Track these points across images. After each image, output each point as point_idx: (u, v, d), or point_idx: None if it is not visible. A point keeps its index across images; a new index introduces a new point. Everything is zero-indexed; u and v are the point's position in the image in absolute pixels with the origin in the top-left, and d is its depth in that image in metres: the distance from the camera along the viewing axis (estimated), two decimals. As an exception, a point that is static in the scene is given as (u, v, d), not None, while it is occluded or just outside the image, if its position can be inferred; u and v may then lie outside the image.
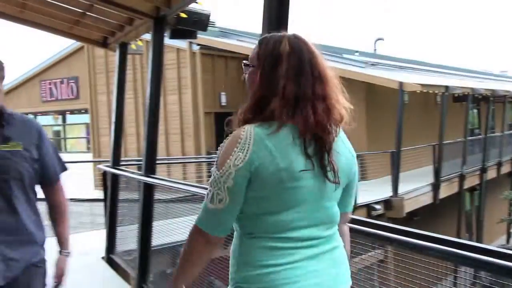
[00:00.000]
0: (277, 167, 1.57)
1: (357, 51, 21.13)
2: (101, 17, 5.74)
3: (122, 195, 6.55)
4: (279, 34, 1.77)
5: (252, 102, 1.69)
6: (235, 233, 1.72)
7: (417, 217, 14.05)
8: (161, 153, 13.48)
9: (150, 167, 5.20)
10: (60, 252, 2.60)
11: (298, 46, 1.72)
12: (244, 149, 1.58)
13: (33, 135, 2.45)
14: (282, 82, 1.66)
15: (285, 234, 1.61)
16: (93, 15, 5.67)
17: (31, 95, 21.56)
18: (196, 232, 1.66)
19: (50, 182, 2.54)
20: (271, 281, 1.59)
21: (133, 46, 6.49)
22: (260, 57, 1.73)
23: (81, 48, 18.25)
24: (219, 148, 1.66)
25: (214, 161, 1.67)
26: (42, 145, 2.46)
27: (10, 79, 21.87)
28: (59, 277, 2.57)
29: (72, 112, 21.69)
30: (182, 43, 15.25)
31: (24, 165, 2.38)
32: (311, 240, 1.64)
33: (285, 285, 1.59)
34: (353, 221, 2.54)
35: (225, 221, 1.64)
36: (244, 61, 1.81)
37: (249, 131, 1.61)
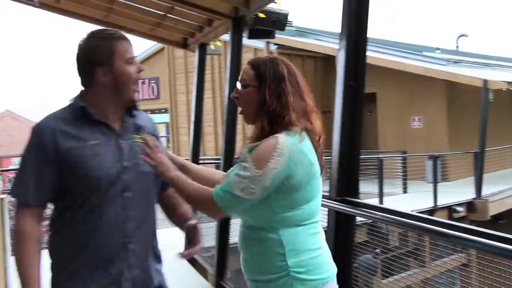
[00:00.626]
0: (310, 163, 1.96)
1: (438, 48, 20.48)
2: (182, 19, 5.88)
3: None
4: (269, 57, 2.14)
5: (268, 116, 2.00)
6: (267, 230, 1.98)
7: (503, 220, 13.44)
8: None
9: (228, 166, 5.27)
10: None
11: (291, 67, 2.10)
12: (282, 155, 1.90)
13: (155, 129, 2.28)
14: (290, 98, 2.01)
15: (315, 218, 2.01)
16: (174, 17, 5.82)
17: None
18: (211, 204, 1.95)
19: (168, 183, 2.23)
20: (323, 260, 2.01)
21: (212, 46, 6.61)
22: (262, 77, 2.04)
23: (162, 49, 18.79)
24: (246, 148, 1.98)
25: None
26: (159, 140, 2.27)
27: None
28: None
29: (153, 111, 22.35)
30: (259, 43, 15.38)
31: None
32: (319, 221, 2.06)
33: (330, 262, 2.04)
34: (433, 222, 2.47)
35: (242, 208, 1.96)
36: (239, 82, 2.09)
37: (283, 140, 1.93)
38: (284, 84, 2.02)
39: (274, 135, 1.94)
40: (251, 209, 1.96)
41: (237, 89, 2.09)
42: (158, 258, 2.19)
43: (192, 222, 2.18)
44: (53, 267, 2.05)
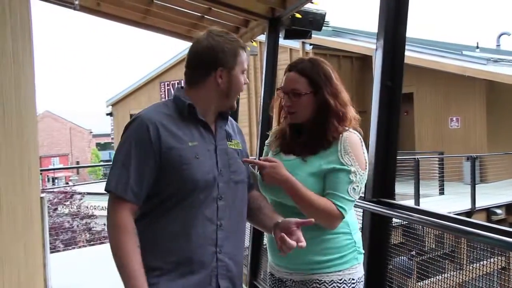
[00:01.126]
0: None
1: (477, 47, 20.07)
2: (218, 20, 5.93)
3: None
4: (307, 59, 2.25)
5: (330, 116, 2.15)
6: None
7: (544, 223, 13.10)
8: (273, 152, 13.61)
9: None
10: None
11: (329, 64, 2.25)
12: (365, 150, 2.16)
13: (241, 134, 2.23)
14: (344, 94, 2.20)
15: None
16: (211, 18, 5.87)
17: (152, 95, 22.67)
18: (337, 217, 2.07)
19: (249, 190, 2.19)
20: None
21: (248, 47, 6.63)
22: (315, 82, 2.16)
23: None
24: (347, 148, 2.11)
25: None
26: (245, 145, 2.22)
27: (133, 81, 23.21)
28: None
29: (189, 111, 22.55)
30: (295, 43, 15.36)
31: (246, 167, 2.15)
32: None
33: None
34: (471, 224, 2.44)
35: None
36: (290, 92, 2.19)
37: (358, 134, 2.17)
38: (334, 82, 2.19)
39: (348, 131, 2.14)
40: None
41: (289, 99, 2.19)
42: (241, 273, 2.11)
43: (279, 221, 2.06)
44: None
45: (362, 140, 2.17)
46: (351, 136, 2.14)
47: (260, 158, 2.22)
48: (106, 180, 1.94)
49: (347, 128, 2.16)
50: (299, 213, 2.07)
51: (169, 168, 1.89)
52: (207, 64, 1.98)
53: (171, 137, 1.91)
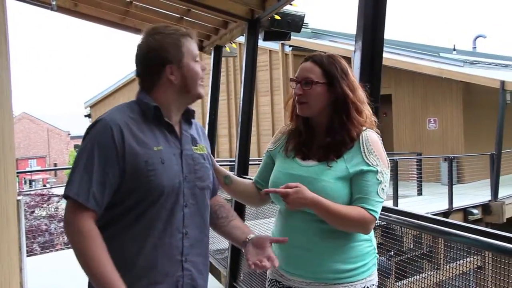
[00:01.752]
0: None
1: (454, 49, 20.33)
2: (198, 21, 5.92)
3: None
4: (325, 54, 2.17)
5: (345, 110, 2.08)
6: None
7: (519, 223, 13.31)
8: (252, 154, 13.66)
9: (243, 168, 5.29)
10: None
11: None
12: (383, 149, 2.10)
13: (206, 138, 2.14)
14: (361, 92, 2.15)
15: None
16: (190, 19, 5.86)
17: (131, 97, 21.84)
18: (371, 222, 2.01)
19: (215, 192, 2.17)
20: None
21: (227, 48, 6.63)
22: (331, 74, 2.09)
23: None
24: (370, 146, 2.05)
25: None
26: (209, 149, 2.13)
27: (112, 82, 23.04)
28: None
29: (168, 113, 22.46)
30: (274, 45, 15.39)
31: (212, 172, 2.07)
32: None
33: None
34: (448, 225, 2.47)
35: None
36: (303, 80, 2.11)
37: (376, 133, 2.11)
38: (351, 77, 2.13)
39: (365, 130, 2.08)
40: None
41: (299, 87, 2.11)
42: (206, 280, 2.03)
43: (252, 236, 2.04)
44: None
45: (379, 137, 2.12)
46: (371, 135, 2.08)
47: (280, 186, 2.01)
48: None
49: (364, 128, 2.09)
50: (320, 220, 2.01)
51: (134, 174, 1.79)
52: (154, 67, 1.90)
53: (136, 141, 1.81)
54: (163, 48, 1.89)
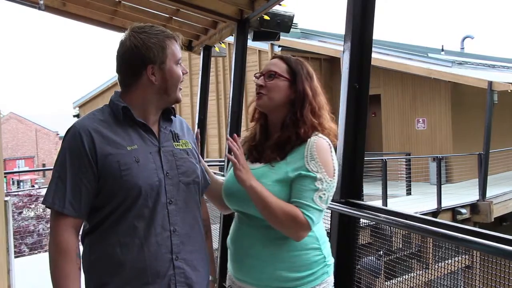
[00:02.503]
0: None
1: (442, 50, 20.45)
2: (187, 21, 5.90)
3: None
4: (294, 56, 2.20)
5: (301, 111, 2.09)
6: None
7: (507, 222, 13.41)
8: (242, 154, 13.64)
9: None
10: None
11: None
12: (334, 155, 2.04)
13: (190, 133, 2.12)
14: (323, 98, 2.17)
15: None
16: (179, 19, 5.85)
17: None
18: (304, 227, 1.93)
19: (203, 191, 2.16)
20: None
21: (216, 49, 6.62)
22: (295, 72, 2.11)
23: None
24: (316, 155, 1.99)
25: None
26: (197, 146, 2.13)
27: (101, 82, 22.93)
28: None
29: (158, 113, 22.40)
30: (263, 45, 15.39)
31: (198, 166, 2.03)
32: None
33: None
34: (437, 224, 2.48)
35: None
36: (267, 73, 2.13)
37: (327, 140, 2.05)
38: (315, 82, 2.16)
39: (316, 135, 2.04)
40: None
41: (262, 78, 2.13)
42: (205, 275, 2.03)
43: (212, 279, 2.10)
44: (90, 284, 1.88)
45: (331, 146, 2.05)
46: (319, 141, 2.02)
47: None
48: None
49: (316, 133, 2.05)
50: (267, 226, 1.98)
51: (109, 176, 1.80)
52: (135, 66, 1.88)
53: (107, 143, 1.82)
54: (147, 47, 1.87)
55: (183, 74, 1.95)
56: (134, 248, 1.82)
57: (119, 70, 1.94)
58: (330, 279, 2.12)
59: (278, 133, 2.09)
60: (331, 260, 2.13)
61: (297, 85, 2.10)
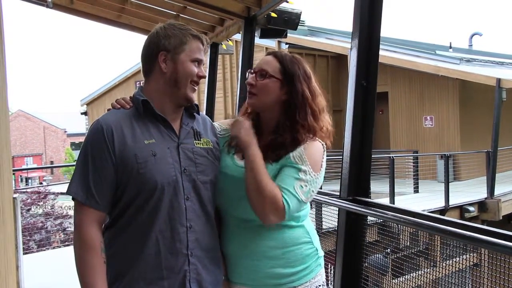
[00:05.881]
0: None
1: (451, 47, 20.36)
2: (194, 19, 5.91)
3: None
4: (291, 54, 2.11)
5: (320, 118, 2.05)
6: (296, 221, 2.04)
7: (515, 220, 13.36)
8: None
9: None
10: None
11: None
12: (325, 158, 2.03)
13: (213, 132, 2.10)
14: (322, 100, 2.08)
15: None
16: (186, 16, 5.85)
17: (127, 95, 21.85)
18: (279, 208, 1.87)
19: None
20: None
21: (223, 46, 6.63)
22: (289, 73, 2.02)
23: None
24: (302, 151, 1.97)
25: None
26: (219, 145, 2.09)
27: (108, 80, 22.99)
28: None
29: (165, 111, 22.39)
30: (271, 42, 15.37)
31: (217, 167, 2.02)
32: None
33: None
34: (445, 222, 2.47)
35: (298, 211, 1.99)
36: (258, 72, 2.04)
37: (323, 145, 2.04)
38: (313, 83, 2.06)
39: (313, 139, 2.01)
40: None
41: (253, 77, 2.05)
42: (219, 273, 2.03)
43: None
44: (107, 276, 1.87)
45: (324, 148, 2.03)
46: (312, 142, 2.00)
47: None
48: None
49: (312, 137, 2.02)
50: (258, 226, 1.95)
51: (126, 169, 1.83)
52: (151, 51, 1.93)
53: (127, 136, 1.85)
54: (166, 36, 1.91)
55: (199, 76, 1.93)
56: (150, 242, 1.84)
57: (141, 57, 1.99)
58: (322, 270, 2.13)
59: (271, 134, 2.03)
60: (321, 252, 2.14)
61: (294, 88, 2.01)
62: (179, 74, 1.91)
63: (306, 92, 2.02)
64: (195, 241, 1.90)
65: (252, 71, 2.09)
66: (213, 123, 2.19)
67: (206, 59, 6.70)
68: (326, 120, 2.07)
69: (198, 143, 1.97)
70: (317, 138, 2.02)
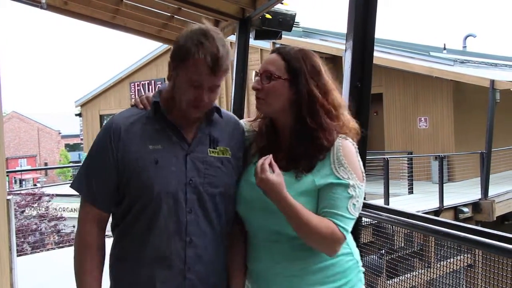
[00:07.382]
0: None
1: (445, 49, 20.42)
2: (188, 20, 5.89)
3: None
4: (297, 48, 1.91)
5: (339, 115, 1.87)
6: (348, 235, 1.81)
7: (509, 221, 13.41)
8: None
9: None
10: None
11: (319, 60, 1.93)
12: (360, 159, 1.83)
13: (239, 139, 1.94)
14: (337, 94, 1.90)
15: None
16: (181, 18, 5.85)
17: (121, 96, 22.45)
18: (339, 240, 1.74)
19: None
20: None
21: (218, 47, 6.61)
22: (296, 70, 1.83)
23: (168, 50, 18.82)
24: (348, 157, 1.80)
25: None
26: (238, 152, 1.93)
27: (103, 81, 22.94)
28: None
29: (160, 112, 22.35)
30: (265, 44, 15.38)
31: (233, 178, 1.87)
32: None
33: None
34: (439, 223, 2.48)
35: None
36: (263, 74, 1.86)
37: (352, 141, 1.84)
38: (324, 77, 1.87)
39: (344, 138, 1.82)
40: None
41: (259, 80, 1.87)
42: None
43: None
44: (110, 278, 1.87)
45: (356, 148, 1.84)
46: (345, 144, 1.80)
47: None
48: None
49: (340, 135, 1.82)
50: (292, 238, 1.78)
51: (128, 173, 1.76)
52: (172, 52, 1.79)
53: (133, 140, 1.78)
54: (177, 44, 1.76)
55: (196, 99, 1.74)
56: (143, 251, 1.78)
57: None
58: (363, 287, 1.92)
59: (289, 139, 1.86)
60: (362, 267, 1.93)
61: (299, 87, 1.82)
62: (176, 91, 1.78)
63: (314, 90, 1.82)
64: (195, 257, 1.78)
65: (257, 72, 1.91)
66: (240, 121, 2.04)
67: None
68: (346, 116, 1.88)
69: (213, 152, 1.83)
70: (345, 137, 1.83)
